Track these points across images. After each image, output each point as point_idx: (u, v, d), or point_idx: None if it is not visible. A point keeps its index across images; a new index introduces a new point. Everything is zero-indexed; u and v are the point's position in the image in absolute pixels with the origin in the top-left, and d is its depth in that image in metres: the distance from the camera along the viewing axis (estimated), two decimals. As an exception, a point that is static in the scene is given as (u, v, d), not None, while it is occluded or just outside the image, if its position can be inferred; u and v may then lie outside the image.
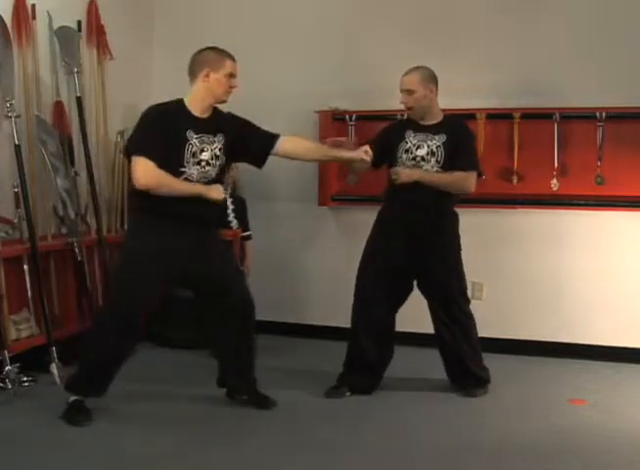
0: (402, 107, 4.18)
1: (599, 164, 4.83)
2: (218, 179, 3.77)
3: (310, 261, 5.48)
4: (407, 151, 4.11)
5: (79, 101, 4.77)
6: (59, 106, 4.69)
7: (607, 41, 4.85)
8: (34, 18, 4.48)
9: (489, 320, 4.60)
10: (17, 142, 4.24)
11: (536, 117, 4.93)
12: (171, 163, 3.60)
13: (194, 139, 3.64)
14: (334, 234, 5.45)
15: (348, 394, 4.19)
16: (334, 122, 5.24)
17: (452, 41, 5.06)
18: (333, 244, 5.43)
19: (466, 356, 4.22)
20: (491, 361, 4.37)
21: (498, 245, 5.10)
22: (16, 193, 4.30)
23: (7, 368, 4.02)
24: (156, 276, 3.66)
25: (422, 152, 4.08)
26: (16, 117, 4.23)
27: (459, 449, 3.53)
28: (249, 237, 5.15)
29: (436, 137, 4.08)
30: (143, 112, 3.73)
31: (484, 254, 4.97)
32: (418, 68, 4.09)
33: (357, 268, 4.23)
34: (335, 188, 5.30)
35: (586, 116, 4.82)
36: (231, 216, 4.95)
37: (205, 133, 3.68)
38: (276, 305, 5.35)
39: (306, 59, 5.33)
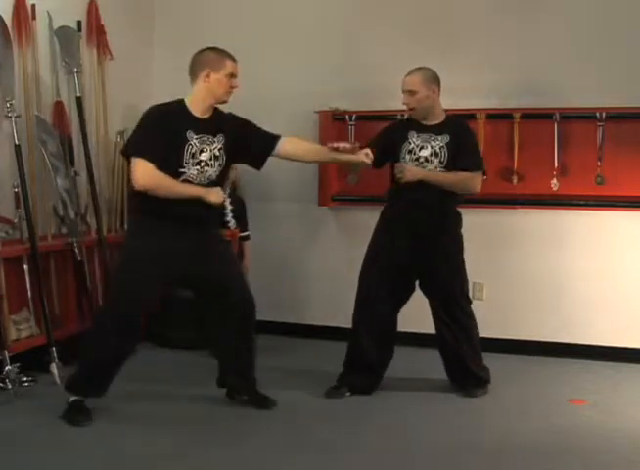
0: (403, 107, 4.18)
1: (599, 164, 4.83)
2: (218, 180, 3.77)
3: (310, 261, 5.48)
4: (410, 151, 4.11)
5: (79, 101, 4.77)
6: (59, 106, 4.69)
7: (607, 41, 4.85)
8: (34, 18, 4.48)
9: (490, 320, 4.59)
10: (17, 142, 4.24)
11: (536, 117, 4.93)
12: (171, 163, 3.60)
13: (194, 140, 3.64)
14: (334, 234, 5.45)
15: (348, 394, 4.19)
16: (334, 122, 5.24)
17: (452, 41, 5.06)
18: (333, 244, 5.44)
19: (466, 356, 4.22)
20: (491, 361, 4.37)
21: (498, 245, 5.10)
22: (16, 193, 4.30)
23: (7, 368, 4.02)
24: (155, 277, 3.66)
25: (425, 153, 4.08)
26: (16, 117, 4.23)
27: (459, 449, 3.53)
28: (247, 237, 5.16)
29: (440, 138, 4.08)
30: (144, 112, 3.73)
31: (485, 254, 4.97)
32: (420, 68, 4.09)
33: (360, 268, 4.22)
34: (335, 188, 5.30)
35: (586, 116, 4.82)
36: (229, 217, 4.95)
37: (205, 134, 3.67)
38: (276, 304, 5.35)
39: (306, 59, 5.33)
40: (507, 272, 5.12)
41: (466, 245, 4.22)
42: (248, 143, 3.81)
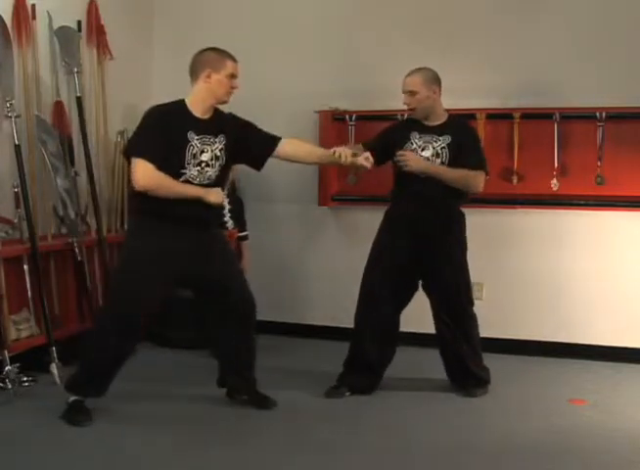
0: (403, 107, 4.18)
1: (599, 164, 4.83)
2: (218, 181, 3.77)
3: (310, 261, 5.48)
4: (412, 152, 4.11)
5: (79, 101, 4.77)
6: (59, 106, 4.69)
7: (607, 41, 4.85)
8: (34, 18, 4.48)
9: (489, 320, 4.59)
10: (17, 142, 4.24)
11: (536, 117, 4.93)
12: (172, 164, 3.60)
13: (195, 140, 3.64)
14: (334, 234, 5.45)
15: (348, 394, 4.19)
16: (334, 122, 5.24)
17: (452, 41, 5.06)
18: (333, 244, 5.43)
19: (466, 357, 4.22)
20: (491, 361, 4.37)
21: (498, 245, 5.09)
22: (16, 193, 4.30)
23: (7, 368, 4.02)
24: (155, 277, 3.66)
25: (427, 153, 4.08)
26: (16, 117, 4.23)
27: (459, 449, 3.53)
28: (245, 237, 5.17)
29: (441, 138, 4.08)
30: (144, 112, 3.74)
31: (484, 254, 4.96)
32: (420, 69, 4.09)
33: (361, 267, 4.22)
34: (335, 188, 5.30)
35: (586, 116, 4.82)
36: (227, 217, 4.96)
37: (206, 134, 3.67)
38: (276, 304, 5.36)
39: (306, 59, 5.33)
40: (507, 272, 5.12)
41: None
42: (248, 144, 3.81)
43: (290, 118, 5.16)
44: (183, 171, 3.64)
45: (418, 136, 4.11)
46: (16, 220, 4.30)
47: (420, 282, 4.23)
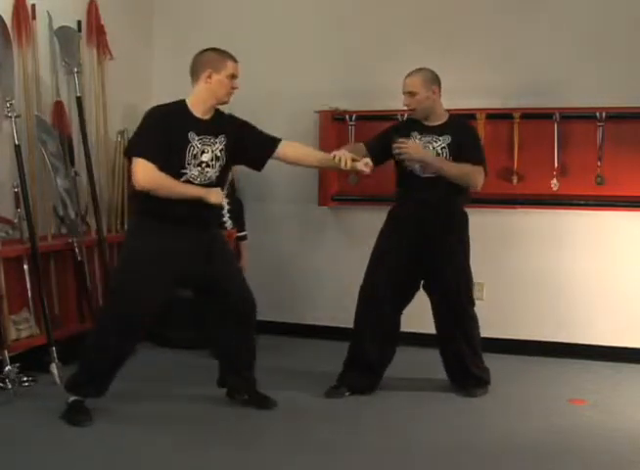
0: (403, 107, 4.18)
1: (599, 164, 4.83)
2: (219, 182, 3.77)
3: (310, 261, 5.47)
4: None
5: (79, 101, 4.77)
6: (59, 106, 4.69)
7: (607, 41, 4.85)
8: (34, 18, 4.48)
9: (489, 320, 4.59)
10: (17, 142, 4.24)
11: (536, 117, 4.93)
12: (173, 164, 3.60)
13: (195, 141, 3.64)
14: (334, 234, 5.45)
15: (348, 394, 4.19)
16: (334, 122, 5.24)
17: (452, 41, 5.06)
18: (333, 244, 5.43)
19: (466, 357, 4.22)
20: (491, 361, 4.37)
21: (498, 245, 5.09)
22: (16, 193, 4.30)
23: (7, 368, 4.02)
24: (156, 277, 3.66)
25: None
26: (16, 117, 4.23)
27: (459, 449, 3.53)
28: (244, 237, 5.18)
29: (441, 138, 4.08)
30: (145, 112, 3.74)
31: (485, 254, 4.95)
32: (420, 70, 4.09)
33: (362, 267, 4.21)
34: (335, 188, 5.30)
35: (586, 116, 4.82)
36: (226, 217, 4.96)
37: (206, 135, 3.68)
38: (276, 305, 5.35)
39: (306, 59, 5.33)
40: (507, 272, 5.12)
41: (466, 245, 4.23)
42: (248, 145, 3.81)
43: (290, 118, 5.16)
44: (184, 172, 3.64)
45: (418, 136, 4.11)
46: (16, 220, 4.30)
47: (421, 282, 4.23)
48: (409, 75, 4.09)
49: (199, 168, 3.66)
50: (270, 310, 5.10)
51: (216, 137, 3.71)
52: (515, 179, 4.97)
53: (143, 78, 5.52)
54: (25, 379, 4.14)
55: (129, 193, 4.91)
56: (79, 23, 4.85)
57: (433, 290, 4.23)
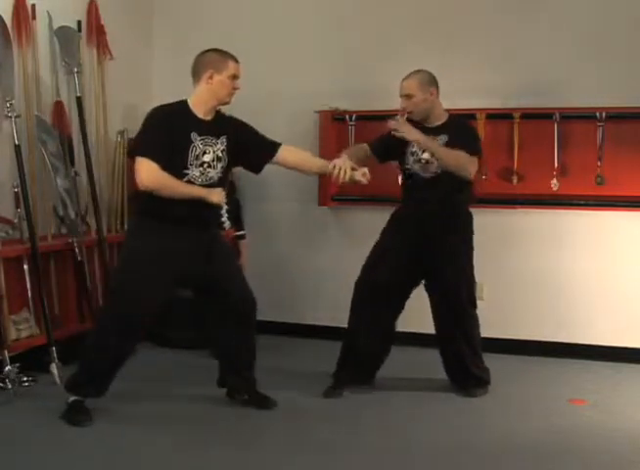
0: (403, 107, 4.18)
1: (599, 164, 4.83)
2: (220, 182, 3.77)
3: (310, 261, 5.47)
4: (413, 154, 4.12)
5: (79, 101, 4.77)
6: (59, 106, 4.69)
7: (607, 41, 4.85)
8: (34, 18, 4.48)
9: (490, 320, 4.59)
10: (17, 142, 4.24)
11: (536, 117, 4.93)
12: (175, 164, 3.60)
13: (197, 141, 3.65)
14: (334, 234, 5.45)
15: (346, 392, 4.18)
16: (334, 122, 5.24)
17: (452, 41, 5.06)
18: (333, 244, 5.43)
19: (466, 357, 4.22)
20: (491, 361, 4.37)
21: (498, 245, 5.09)
22: (16, 193, 4.30)
23: (7, 368, 4.02)
24: (156, 277, 3.66)
25: (427, 155, 4.07)
26: (16, 117, 4.23)
27: (459, 449, 3.53)
28: (243, 236, 5.18)
29: (439, 138, 4.07)
30: (148, 113, 3.74)
31: (485, 254, 4.93)
32: (417, 72, 4.08)
33: (364, 262, 4.20)
34: (335, 188, 5.29)
35: (586, 116, 4.82)
36: (224, 217, 4.96)
37: (208, 135, 3.68)
38: (276, 304, 5.35)
39: (306, 59, 5.33)
40: (507, 272, 5.11)
41: (466, 245, 4.23)
42: (248, 147, 3.82)
43: (290, 118, 5.16)
44: (186, 172, 3.64)
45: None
46: (16, 220, 4.30)
47: (422, 282, 4.23)
48: (406, 78, 4.09)
49: (200, 169, 3.66)
50: (270, 310, 5.10)
51: (218, 138, 3.71)
52: (515, 179, 4.97)
53: (143, 78, 5.52)
54: (25, 379, 4.14)
55: (130, 193, 4.91)
56: (79, 23, 4.85)
57: (433, 290, 4.23)
